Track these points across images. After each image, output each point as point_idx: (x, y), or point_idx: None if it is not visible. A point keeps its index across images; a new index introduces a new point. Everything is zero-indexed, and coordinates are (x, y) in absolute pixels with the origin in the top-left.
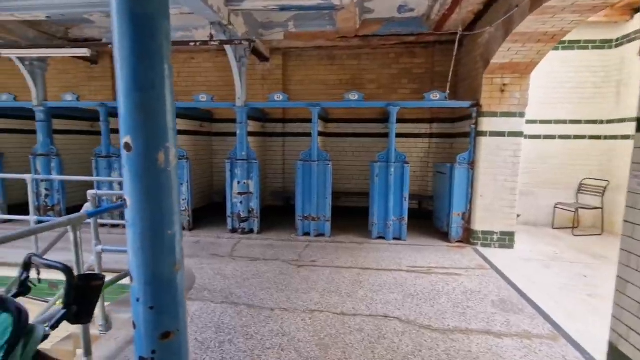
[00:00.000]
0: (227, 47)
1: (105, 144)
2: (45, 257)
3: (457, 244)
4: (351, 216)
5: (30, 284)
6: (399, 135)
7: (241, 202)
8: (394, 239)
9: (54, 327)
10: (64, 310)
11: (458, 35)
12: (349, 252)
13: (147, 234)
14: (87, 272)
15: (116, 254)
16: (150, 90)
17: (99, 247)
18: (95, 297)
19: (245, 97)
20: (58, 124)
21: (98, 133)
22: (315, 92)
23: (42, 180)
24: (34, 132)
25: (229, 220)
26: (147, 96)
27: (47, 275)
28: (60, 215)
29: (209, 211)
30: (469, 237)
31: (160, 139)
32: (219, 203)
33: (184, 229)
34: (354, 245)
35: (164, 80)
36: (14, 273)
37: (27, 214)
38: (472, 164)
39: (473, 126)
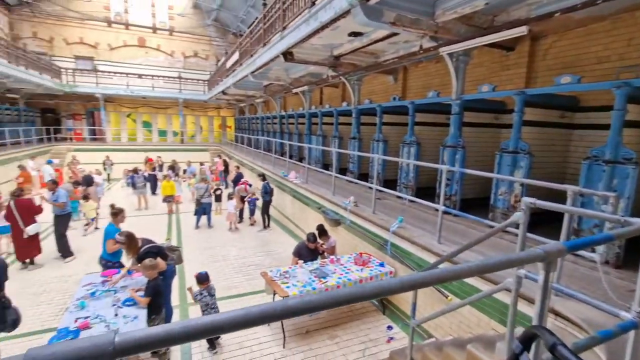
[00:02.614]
0: None
1: (514, 137)
2: None
3: None
4: None
5: None
6: None
7: None
8: None
9: None
10: None
11: None
12: None
13: None
14: None
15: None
16: None
17: (568, 291)
18: None
19: None
20: (467, 117)
21: (500, 126)
22: None
23: (447, 170)
24: (442, 124)
25: None
26: None
27: None
28: (455, 206)
29: None
30: None
31: None
32: None
33: (606, 263)
34: None
35: None
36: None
37: (428, 197)
38: None
39: None
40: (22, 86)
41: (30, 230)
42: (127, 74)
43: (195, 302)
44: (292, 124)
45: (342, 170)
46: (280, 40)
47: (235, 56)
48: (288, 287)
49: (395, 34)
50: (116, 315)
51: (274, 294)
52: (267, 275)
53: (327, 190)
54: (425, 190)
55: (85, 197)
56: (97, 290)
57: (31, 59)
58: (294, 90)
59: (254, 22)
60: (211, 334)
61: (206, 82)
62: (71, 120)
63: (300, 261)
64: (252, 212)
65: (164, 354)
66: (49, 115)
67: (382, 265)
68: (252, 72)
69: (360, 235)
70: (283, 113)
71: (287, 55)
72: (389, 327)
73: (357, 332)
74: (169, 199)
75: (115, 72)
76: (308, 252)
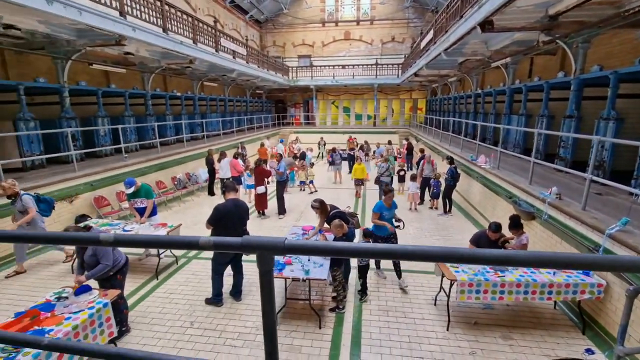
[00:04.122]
0: None
1: None
2: None
3: None
4: None
5: None
6: None
7: None
8: None
9: None
10: None
11: None
12: None
13: None
14: None
15: None
16: None
17: None
18: None
19: None
20: None
21: None
22: None
23: None
24: None
25: None
26: None
27: None
28: None
29: None
30: None
31: None
32: None
33: None
34: None
35: None
36: None
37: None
38: None
39: None
40: (265, 84)
41: (258, 189)
42: (333, 66)
43: None
44: (489, 102)
45: (549, 157)
46: (477, 10)
47: (430, 35)
48: (457, 271)
49: None
50: (309, 260)
51: (442, 277)
52: None
53: (522, 177)
54: None
55: (303, 167)
56: (299, 238)
57: (271, 63)
58: (494, 64)
59: None
60: (356, 255)
61: (400, 65)
62: (293, 108)
63: None
64: (435, 196)
65: (341, 300)
66: (280, 105)
67: (586, 273)
68: (445, 50)
69: (561, 234)
70: (479, 91)
71: (486, 24)
72: (589, 351)
73: (540, 343)
74: (359, 181)
75: (324, 66)
76: (488, 242)
